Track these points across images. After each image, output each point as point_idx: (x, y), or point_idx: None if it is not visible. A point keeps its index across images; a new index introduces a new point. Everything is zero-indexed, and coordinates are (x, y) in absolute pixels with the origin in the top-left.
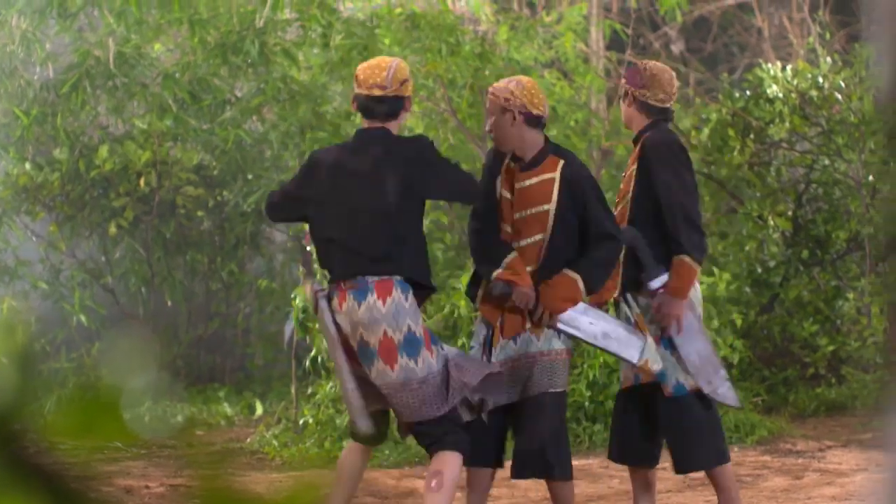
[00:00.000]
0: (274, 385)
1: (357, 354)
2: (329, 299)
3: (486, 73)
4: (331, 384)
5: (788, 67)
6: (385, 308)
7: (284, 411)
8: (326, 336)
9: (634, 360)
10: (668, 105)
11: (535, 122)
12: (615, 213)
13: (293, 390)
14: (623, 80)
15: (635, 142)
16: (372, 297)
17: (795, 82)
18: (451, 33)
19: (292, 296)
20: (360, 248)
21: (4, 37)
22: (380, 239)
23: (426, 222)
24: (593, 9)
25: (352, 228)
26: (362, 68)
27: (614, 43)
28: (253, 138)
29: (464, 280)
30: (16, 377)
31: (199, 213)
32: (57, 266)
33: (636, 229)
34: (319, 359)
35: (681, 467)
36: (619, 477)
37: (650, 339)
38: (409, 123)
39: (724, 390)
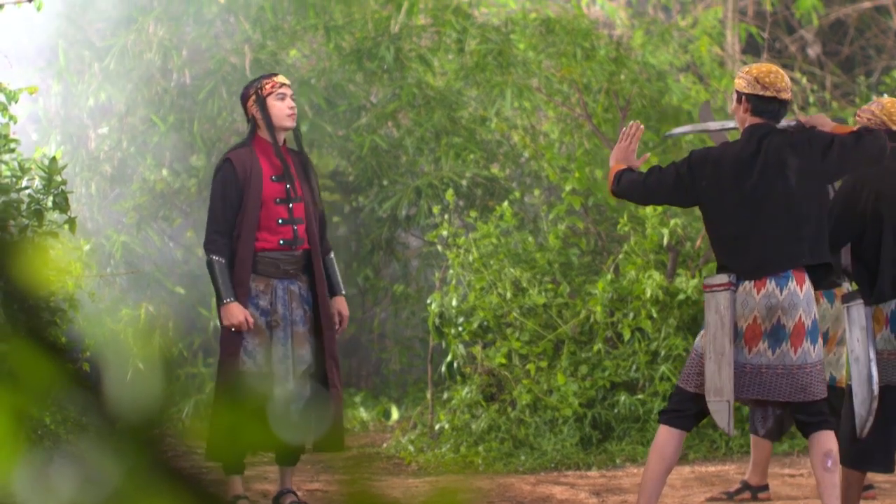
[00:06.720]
0: (410, 390)
1: (761, 337)
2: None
3: (622, 77)
4: (466, 389)
5: None
6: (803, 294)
7: (420, 416)
8: (717, 324)
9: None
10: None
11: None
12: None
13: (429, 395)
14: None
15: None
16: (792, 283)
17: None
18: (586, 38)
19: (428, 301)
20: (775, 242)
21: (142, 44)
22: (793, 231)
23: (562, 227)
24: (728, 12)
25: (765, 223)
26: (764, 73)
27: (750, 47)
28: (388, 144)
29: (600, 286)
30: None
31: (336, 219)
32: (194, 271)
33: None
34: (455, 364)
35: None
36: None
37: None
38: (545, 128)
39: None
